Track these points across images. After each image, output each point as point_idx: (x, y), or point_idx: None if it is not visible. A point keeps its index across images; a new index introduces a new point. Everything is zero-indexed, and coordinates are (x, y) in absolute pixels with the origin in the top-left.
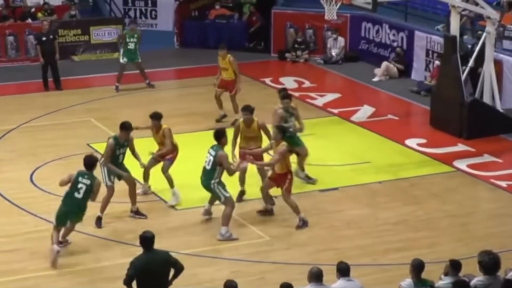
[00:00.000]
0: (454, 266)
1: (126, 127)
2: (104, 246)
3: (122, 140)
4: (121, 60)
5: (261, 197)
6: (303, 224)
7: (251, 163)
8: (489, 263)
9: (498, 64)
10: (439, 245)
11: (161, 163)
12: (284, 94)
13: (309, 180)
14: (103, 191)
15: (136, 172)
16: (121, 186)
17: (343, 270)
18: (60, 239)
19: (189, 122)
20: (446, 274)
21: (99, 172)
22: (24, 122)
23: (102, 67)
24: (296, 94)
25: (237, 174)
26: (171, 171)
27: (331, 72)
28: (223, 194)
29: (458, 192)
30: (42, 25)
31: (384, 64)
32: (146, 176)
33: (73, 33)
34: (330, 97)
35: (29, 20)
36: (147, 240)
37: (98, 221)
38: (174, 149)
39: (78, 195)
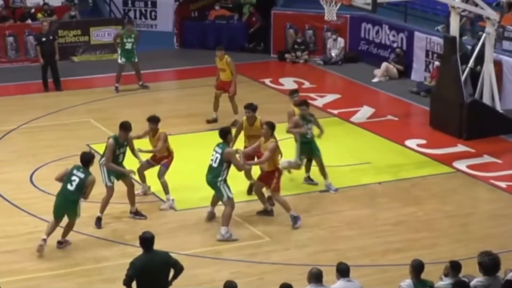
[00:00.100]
0: (454, 267)
1: (125, 127)
2: (104, 246)
3: (122, 140)
4: (119, 61)
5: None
6: (295, 221)
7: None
8: (489, 263)
9: (497, 64)
10: (439, 246)
11: (152, 168)
12: (301, 101)
13: (311, 182)
14: (102, 191)
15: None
16: (120, 187)
17: (343, 271)
18: (60, 238)
19: (188, 123)
20: (446, 275)
21: (99, 173)
22: (24, 123)
23: (102, 67)
24: None
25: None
26: (169, 173)
27: (331, 72)
28: (227, 194)
29: (458, 193)
30: (42, 25)
31: (384, 64)
32: (142, 178)
33: (73, 34)
34: (330, 97)
35: (29, 21)
36: (146, 240)
37: (98, 222)
38: (169, 154)
39: (70, 187)
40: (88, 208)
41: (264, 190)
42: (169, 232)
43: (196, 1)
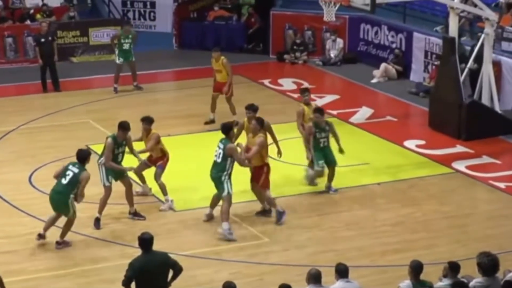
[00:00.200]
0: (453, 268)
1: (124, 126)
2: (103, 247)
3: (120, 140)
4: (117, 61)
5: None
6: (280, 216)
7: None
8: (488, 264)
9: (496, 65)
10: (437, 247)
11: (151, 169)
12: (315, 108)
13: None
14: (101, 192)
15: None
16: (119, 187)
17: (342, 272)
18: (58, 239)
19: (187, 123)
20: (445, 276)
21: (97, 173)
22: (22, 124)
23: (100, 68)
24: (295, 95)
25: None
26: (168, 174)
27: (329, 73)
28: (228, 190)
29: (457, 194)
30: (40, 26)
31: (383, 65)
32: (141, 179)
33: (71, 35)
34: (328, 98)
35: (28, 22)
36: (145, 241)
37: (97, 222)
38: (164, 155)
39: (64, 181)
40: (86, 209)
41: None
42: (168, 233)
43: (195, 2)
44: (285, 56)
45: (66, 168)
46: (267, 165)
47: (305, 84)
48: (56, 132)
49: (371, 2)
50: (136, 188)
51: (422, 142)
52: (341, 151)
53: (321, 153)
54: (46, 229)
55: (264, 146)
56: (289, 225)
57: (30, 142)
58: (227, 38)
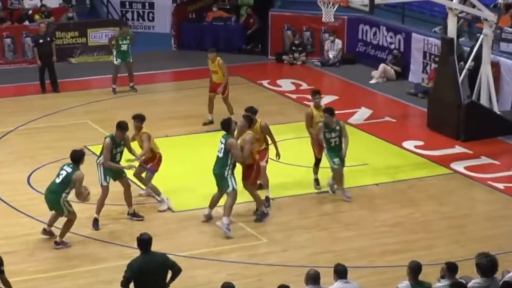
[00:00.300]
0: (450, 269)
1: (122, 126)
2: (101, 248)
3: (119, 140)
4: (114, 62)
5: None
6: (263, 216)
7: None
8: (487, 265)
9: (495, 66)
10: (436, 247)
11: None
12: (325, 108)
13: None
14: (99, 192)
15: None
16: (118, 188)
17: (341, 272)
18: (57, 239)
19: (185, 124)
20: (442, 277)
21: (95, 173)
22: (21, 124)
23: (99, 69)
24: (294, 96)
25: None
26: (166, 175)
27: (328, 74)
28: (233, 185)
29: (455, 194)
30: (39, 27)
31: (382, 66)
32: (141, 181)
33: (70, 35)
34: (327, 99)
35: (27, 22)
36: (144, 242)
37: (95, 223)
38: (154, 157)
39: (57, 180)
40: (85, 209)
41: (261, 191)
42: (167, 234)
43: (193, 2)
44: (284, 57)
45: (61, 168)
46: (257, 163)
47: (304, 85)
48: (54, 132)
49: (369, 3)
50: (140, 190)
51: (421, 143)
52: (343, 151)
53: (333, 152)
54: (50, 225)
55: (253, 142)
56: (287, 225)
57: (29, 143)
58: (225, 39)
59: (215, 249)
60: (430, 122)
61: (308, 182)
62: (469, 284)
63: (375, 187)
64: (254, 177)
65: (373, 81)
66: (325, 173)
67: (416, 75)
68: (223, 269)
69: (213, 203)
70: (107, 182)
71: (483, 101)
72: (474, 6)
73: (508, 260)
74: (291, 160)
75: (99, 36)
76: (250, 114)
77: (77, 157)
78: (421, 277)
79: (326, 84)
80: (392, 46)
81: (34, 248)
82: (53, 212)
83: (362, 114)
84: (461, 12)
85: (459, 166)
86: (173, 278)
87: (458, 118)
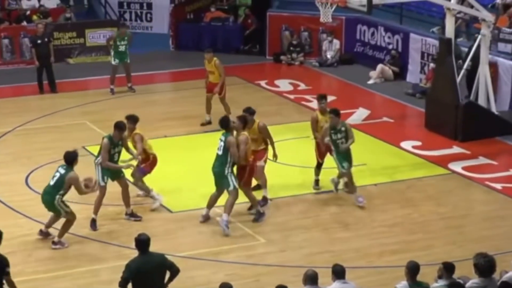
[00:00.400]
0: (447, 268)
1: (120, 126)
2: (100, 248)
3: (116, 140)
4: (112, 62)
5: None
6: (260, 216)
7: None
8: (485, 265)
9: (493, 66)
10: (434, 248)
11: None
12: (330, 110)
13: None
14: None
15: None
16: (116, 188)
17: (339, 273)
18: (55, 239)
19: (184, 124)
20: (440, 277)
21: (92, 173)
22: (19, 125)
23: (97, 69)
24: (291, 96)
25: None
26: (165, 175)
27: (326, 74)
28: (233, 184)
29: (453, 194)
30: (37, 28)
31: (379, 66)
32: (145, 189)
33: (68, 36)
34: None
35: (24, 23)
36: (142, 242)
37: (93, 223)
38: (148, 158)
39: (51, 182)
40: (83, 210)
41: (259, 191)
42: (165, 234)
43: (191, 3)
44: (282, 57)
45: (56, 170)
46: (251, 165)
47: (302, 85)
48: (52, 133)
49: (367, 3)
50: (138, 191)
51: (419, 143)
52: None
53: (340, 155)
54: (48, 226)
55: (247, 143)
56: (285, 226)
57: (27, 144)
58: (223, 39)
59: (213, 250)
60: (428, 122)
61: (306, 183)
62: (467, 284)
63: (373, 188)
64: (247, 178)
65: (371, 82)
66: (327, 174)
67: (414, 75)
68: (221, 269)
69: (211, 203)
70: (105, 182)
71: (481, 102)
72: (472, 7)
73: (506, 261)
74: (288, 161)
75: (97, 36)
76: (246, 114)
77: (70, 158)
78: (419, 277)
79: (324, 85)
80: (390, 47)
81: (32, 248)
82: (53, 214)
83: (360, 114)
84: (459, 12)
85: (457, 167)
86: (171, 278)
87: (456, 119)
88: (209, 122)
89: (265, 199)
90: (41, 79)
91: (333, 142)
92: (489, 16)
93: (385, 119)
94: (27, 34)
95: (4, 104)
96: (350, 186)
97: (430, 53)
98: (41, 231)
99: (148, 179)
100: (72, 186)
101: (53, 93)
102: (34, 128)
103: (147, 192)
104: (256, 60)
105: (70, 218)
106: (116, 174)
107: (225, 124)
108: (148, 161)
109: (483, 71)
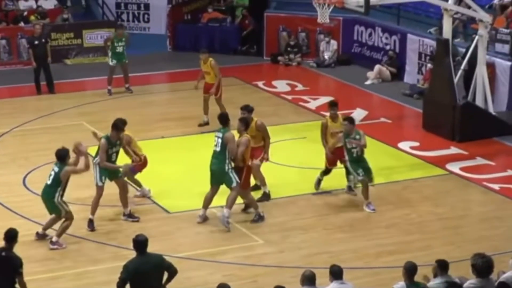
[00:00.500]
0: (441, 266)
1: (117, 126)
2: (97, 249)
3: (114, 140)
4: (110, 63)
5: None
6: (258, 218)
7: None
8: (482, 266)
9: (490, 67)
10: (431, 248)
11: (145, 170)
12: (344, 117)
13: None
14: (94, 194)
15: None
16: (113, 189)
17: (336, 273)
18: (53, 238)
19: (181, 125)
20: (435, 276)
21: (89, 174)
22: (16, 126)
23: (94, 70)
24: (289, 97)
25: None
26: (163, 176)
27: (323, 75)
28: (236, 180)
29: (451, 195)
30: (34, 28)
31: (377, 67)
32: (136, 183)
33: (65, 37)
34: (322, 100)
35: (22, 24)
36: (140, 243)
37: (90, 224)
38: (139, 159)
39: (48, 182)
40: (80, 211)
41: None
42: (163, 235)
43: (189, 4)
44: (279, 58)
45: (51, 170)
46: (248, 166)
47: (299, 86)
48: (49, 134)
49: (365, 4)
50: (136, 192)
51: (416, 144)
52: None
53: (356, 164)
54: (45, 228)
55: (247, 146)
56: (283, 227)
57: (24, 145)
58: (221, 40)
59: (210, 250)
60: (426, 123)
61: (303, 183)
62: (465, 285)
63: (370, 188)
64: (244, 180)
65: (368, 82)
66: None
67: (411, 76)
68: (218, 270)
69: (207, 203)
70: (103, 182)
71: (479, 102)
72: (469, 7)
73: (504, 261)
74: (286, 161)
75: (94, 37)
76: (247, 115)
77: (62, 155)
78: (416, 278)
79: (322, 85)
80: (388, 47)
81: (31, 249)
82: (53, 216)
83: (357, 115)
84: (457, 13)
85: (454, 167)
86: (169, 279)
87: (454, 119)
88: (207, 123)
89: (265, 195)
90: (39, 80)
91: (348, 151)
92: (486, 17)
93: (382, 119)
94: (24, 35)
95: (1, 105)
96: (364, 192)
97: (428, 53)
98: (37, 233)
99: (147, 180)
100: (69, 180)
101: (50, 94)
102: (31, 129)
103: (138, 185)
104: (253, 61)
105: (69, 218)
106: (113, 174)
107: (223, 119)
108: (141, 160)
109: (481, 72)
